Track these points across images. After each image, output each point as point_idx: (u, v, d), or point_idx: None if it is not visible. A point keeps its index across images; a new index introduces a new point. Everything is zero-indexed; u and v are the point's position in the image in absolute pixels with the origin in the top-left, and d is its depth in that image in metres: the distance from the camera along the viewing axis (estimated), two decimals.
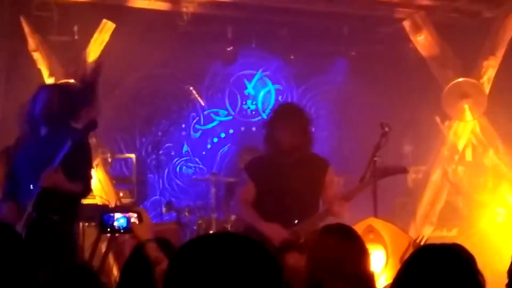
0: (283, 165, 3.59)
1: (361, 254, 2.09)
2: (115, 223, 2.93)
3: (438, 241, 2.32)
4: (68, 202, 3.57)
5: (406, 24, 5.53)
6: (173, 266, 0.91)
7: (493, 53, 5.34)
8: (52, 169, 3.37)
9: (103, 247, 4.63)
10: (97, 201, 4.91)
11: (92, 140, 4.74)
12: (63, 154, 3.40)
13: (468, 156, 5.61)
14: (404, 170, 4.13)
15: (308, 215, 3.58)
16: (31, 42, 5.22)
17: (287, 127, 3.58)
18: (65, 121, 3.56)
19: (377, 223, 3.61)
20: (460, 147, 5.46)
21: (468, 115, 5.31)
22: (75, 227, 3.84)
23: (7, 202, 3.62)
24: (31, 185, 3.53)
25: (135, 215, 2.95)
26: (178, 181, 6.23)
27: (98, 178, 5.22)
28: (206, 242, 0.90)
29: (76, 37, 5.35)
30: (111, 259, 4.89)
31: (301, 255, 2.46)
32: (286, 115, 3.70)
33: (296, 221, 3.60)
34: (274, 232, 3.45)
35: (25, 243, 2.04)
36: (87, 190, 3.70)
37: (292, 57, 6.20)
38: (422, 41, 5.53)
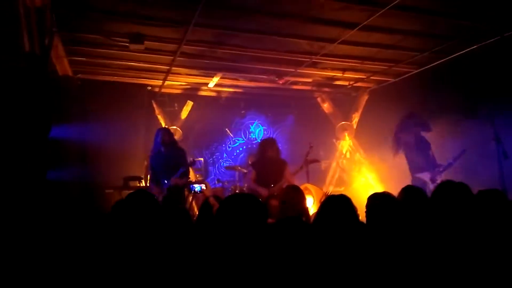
0: (267, 163, 5.66)
1: (302, 198, 3.46)
2: (196, 188, 6.50)
3: (335, 193, 4.71)
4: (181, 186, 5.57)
5: (319, 99, 9.09)
6: (219, 207, 1.74)
7: (357, 110, 8.84)
8: (176, 177, 5.36)
9: (190, 199, 6.66)
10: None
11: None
12: (181, 171, 5.37)
13: (348, 155, 8.87)
14: (318, 161, 7.40)
15: (277, 183, 5.54)
16: (157, 110, 8.53)
17: (269, 147, 5.73)
18: (172, 144, 5.57)
19: (309, 186, 6.02)
20: (344, 151, 8.87)
21: (347, 138, 8.82)
22: (183, 193, 5.86)
23: (155, 185, 5.52)
24: (165, 180, 5.41)
25: (204, 185, 7.07)
26: (222, 170, 9.18)
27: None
28: (233, 197, 1.85)
29: (176, 108, 8.65)
30: (194, 205, 6.93)
31: (276, 199, 4.39)
32: (269, 142, 5.91)
33: (272, 185, 5.57)
34: (263, 191, 5.50)
35: (158, 204, 2.66)
36: (187, 180, 5.72)
37: (269, 114, 9.59)
38: (326, 107, 9.01)
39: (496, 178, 4.65)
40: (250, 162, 6.60)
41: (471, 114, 5.74)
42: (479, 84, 5.86)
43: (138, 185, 6.55)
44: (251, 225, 1.68)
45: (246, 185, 7.24)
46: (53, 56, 5.75)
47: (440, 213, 2.07)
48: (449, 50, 6.24)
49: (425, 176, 5.83)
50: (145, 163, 6.82)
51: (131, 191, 5.29)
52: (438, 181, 5.51)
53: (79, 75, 7.48)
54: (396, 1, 4.60)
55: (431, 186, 5.53)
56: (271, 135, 9.69)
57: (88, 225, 2.34)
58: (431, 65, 6.85)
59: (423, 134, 6.04)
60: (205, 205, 2.93)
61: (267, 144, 5.78)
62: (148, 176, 6.15)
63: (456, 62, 6.32)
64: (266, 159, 5.67)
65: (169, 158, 5.43)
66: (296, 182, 5.55)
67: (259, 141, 6.55)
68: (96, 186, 6.63)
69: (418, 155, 5.98)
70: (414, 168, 6.03)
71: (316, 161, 6.93)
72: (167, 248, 1.99)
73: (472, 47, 5.97)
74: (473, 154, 5.55)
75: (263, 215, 1.77)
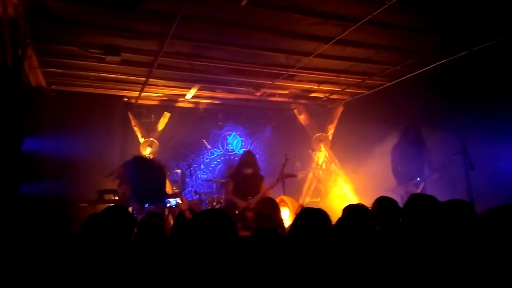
0: (245, 176, 5.90)
1: (277, 210, 3.53)
2: (171, 202, 6.86)
3: (311, 205, 6.26)
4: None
5: (295, 110, 9.15)
6: (193, 220, 1.83)
7: (332, 122, 8.92)
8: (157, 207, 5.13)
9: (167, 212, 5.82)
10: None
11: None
12: (166, 203, 5.35)
13: (324, 166, 8.84)
14: (294, 176, 7.27)
15: (254, 196, 5.75)
16: (133, 122, 8.35)
17: (248, 164, 5.91)
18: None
19: (285, 197, 5.83)
20: (320, 162, 8.85)
21: (323, 149, 8.84)
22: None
23: (137, 203, 5.22)
24: (146, 204, 5.18)
25: (179, 198, 7.10)
26: (199, 181, 9.09)
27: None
28: (204, 213, 1.88)
29: (153, 119, 8.50)
30: (170, 218, 6.03)
31: (252, 211, 4.47)
32: (247, 155, 6.09)
33: (249, 198, 5.76)
34: (241, 203, 5.70)
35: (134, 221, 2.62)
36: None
37: (247, 126, 9.54)
38: (302, 118, 9.03)
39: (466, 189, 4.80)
40: (228, 174, 6.67)
41: (440, 126, 5.90)
42: (448, 97, 6.07)
43: (113, 198, 6.45)
44: (220, 241, 1.71)
45: (223, 196, 7.34)
46: (26, 67, 5.67)
47: (409, 224, 2.14)
48: (420, 64, 6.47)
49: (401, 190, 5.91)
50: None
51: (106, 204, 5.46)
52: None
53: (53, 86, 7.38)
54: (369, 17, 4.76)
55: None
56: (248, 146, 9.74)
57: (59, 242, 2.31)
58: (403, 78, 7.08)
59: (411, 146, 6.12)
60: (178, 219, 2.95)
61: (247, 160, 5.94)
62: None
63: (427, 75, 6.54)
64: (244, 172, 5.84)
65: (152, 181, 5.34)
66: (272, 194, 5.65)
67: (241, 154, 6.50)
68: (70, 200, 6.51)
69: (396, 168, 6.12)
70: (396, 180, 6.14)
71: (292, 175, 6.95)
72: (140, 264, 1.98)
73: (442, 61, 6.19)
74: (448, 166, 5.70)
75: (232, 231, 1.78)
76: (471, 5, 4.67)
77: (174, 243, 2.32)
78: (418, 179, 5.87)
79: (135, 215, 5.05)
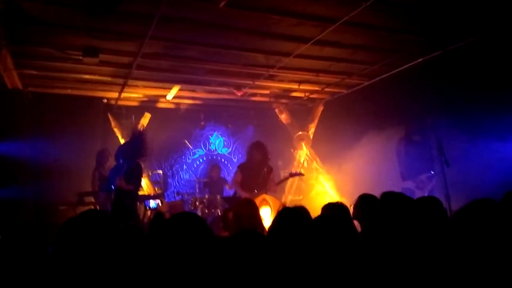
0: (254, 167, 5.79)
1: (255, 211, 3.50)
2: (150, 204, 7.03)
3: (294, 203, 6.23)
4: (131, 194, 5.44)
5: (277, 110, 9.29)
6: (169, 221, 1.88)
7: (313, 121, 9.06)
8: (120, 177, 5.28)
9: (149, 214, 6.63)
10: (145, 193, 7.63)
11: (144, 165, 8.32)
12: (125, 168, 5.37)
13: (305, 164, 8.96)
14: (302, 174, 7.09)
15: (262, 188, 5.76)
16: (113, 123, 8.23)
17: (256, 150, 5.79)
18: (130, 158, 5.47)
19: (267, 196, 5.86)
20: (302, 160, 8.98)
21: (304, 147, 8.95)
22: (136, 205, 5.67)
23: (103, 193, 5.66)
24: (112, 186, 5.39)
25: (159, 200, 7.15)
26: (182, 182, 9.03)
27: (145, 183, 7.94)
28: (181, 215, 1.90)
29: (134, 120, 8.28)
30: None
31: (232, 213, 4.10)
32: (256, 145, 5.89)
33: (255, 191, 5.75)
34: (244, 195, 5.64)
35: (109, 218, 2.47)
36: (136, 189, 5.56)
37: (229, 125, 9.53)
38: (284, 117, 9.18)
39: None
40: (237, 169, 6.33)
41: (418, 124, 6.04)
42: (425, 95, 6.22)
43: (94, 200, 6.43)
44: (193, 244, 1.72)
45: (206, 195, 7.67)
46: (1, 69, 5.58)
47: (381, 221, 2.19)
48: (396, 63, 6.61)
49: (410, 185, 5.86)
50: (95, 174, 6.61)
51: (86, 207, 5.42)
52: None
53: (30, 88, 7.24)
54: (345, 18, 4.85)
55: (418, 194, 5.59)
56: (231, 146, 9.74)
57: (37, 246, 2.29)
58: (381, 77, 7.21)
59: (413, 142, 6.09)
60: (155, 218, 2.94)
61: (255, 147, 5.85)
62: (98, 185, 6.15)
63: (404, 74, 6.68)
64: (253, 163, 5.76)
65: (126, 169, 5.43)
66: (279, 189, 6.09)
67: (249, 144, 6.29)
68: (49, 203, 6.42)
69: (402, 163, 6.04)
70: (401, 177, 6.05)
71: (300, 174, 7.02)
72: (117, 267, 1.98)
73: (418, 60, 6.34)
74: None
75: (205, 234, 1.80)
76: (445, 5, 4.81)
77: (150, 242, 2.32)
78: (432, 172, 5.71)
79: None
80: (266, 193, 5.81)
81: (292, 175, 6.48)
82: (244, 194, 5.66)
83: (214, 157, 9.53)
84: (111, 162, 6.03)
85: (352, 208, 3.38)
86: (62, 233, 2.04)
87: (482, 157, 5.36)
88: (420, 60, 6.33)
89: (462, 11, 4.93)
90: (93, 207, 6.02)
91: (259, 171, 5.74)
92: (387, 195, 2.20)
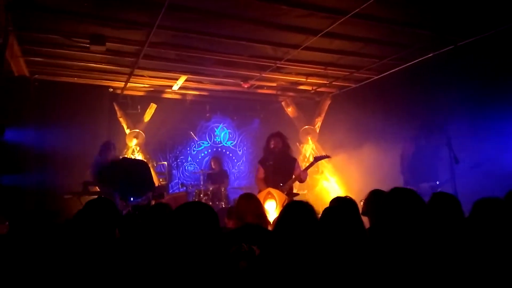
0: (275, 160, 5.46)
1: (258, 205, 3.41)
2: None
3: (299, 197, 5.72)
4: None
5: (283, 103, 9.21)
6: (175, 211, 1.88)
7: (320, 115, 8.95)
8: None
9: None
10: None
11: (148, 156, 8.24)
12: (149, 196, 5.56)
13: (311, 158, 8.24)
14: (328, 157, 6.29)
15: (287, 181, 5.49)
16: (118, 113, 8.39)
17: (274, 140, 5.50)
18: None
19: (272, 190, 5.62)
20: (307, 155, 8.85)
21: (310, 141, 8.91)
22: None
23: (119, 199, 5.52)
24: (131, 198, 5.42)
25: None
26: (186, 173, 9.12)
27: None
28: (187, 204, 1.91)
29: (139, 111, 8.48)
30: None
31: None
32: (274, 135, 5.60)
33: (281, 184, 5.49)
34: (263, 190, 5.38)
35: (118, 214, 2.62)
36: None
37: (235, 118, 9.55)
38: (290, 111, 9.10)
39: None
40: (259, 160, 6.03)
41: (426, 120, 5.95)
42: (434, 91, 6.13)
43: (98, 190, 6.41)
44: (198, 232, 1.70)
45: (210, 187, 7.54)
46: (8, 56, 5.56)
47: (392, 217, 2.15)
48: (407, 58, 6.52)
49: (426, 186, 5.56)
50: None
51: (91, 196, 5.41)
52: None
53: (37, 76, 7.23)
54: (356, 10, 4.77)
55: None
56: (236, 139, 9.69)
57: (42, 234, 2.27)
58: (390, 71, 7.12)
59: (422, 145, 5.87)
60: (156, 207, 2.96)
61: (275, 137, 5.58)
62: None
63: (414, 69, 6.58)
64: (273, 155, 5.47)
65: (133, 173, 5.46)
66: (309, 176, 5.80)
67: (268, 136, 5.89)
68: (54, 192, 6.42)
69: (406, 168, 5.82)
70: (404, 183, 5.73)
71: (326, 157, 6.43)
72: (125, 255, 1.96)
73: (428, 55, 6.24)
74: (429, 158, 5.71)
75: (212, 223, 1.78)
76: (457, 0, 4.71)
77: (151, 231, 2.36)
78: (437, 182, 5.39)
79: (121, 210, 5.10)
80: (293, 182, 5.58)
81: (317, 159, 6.05)
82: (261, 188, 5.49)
83: (219, 149, 9.48)
84: (114, 155, 6.10)
85: (362, 203, 3.32)
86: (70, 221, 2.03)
87: (491, 153, 5.21)
88: (430, 55, 6.23)
89: (474, 5, 4.83)
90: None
91: (283, 163, 5.46)
92: (396, 190, 2.15)
